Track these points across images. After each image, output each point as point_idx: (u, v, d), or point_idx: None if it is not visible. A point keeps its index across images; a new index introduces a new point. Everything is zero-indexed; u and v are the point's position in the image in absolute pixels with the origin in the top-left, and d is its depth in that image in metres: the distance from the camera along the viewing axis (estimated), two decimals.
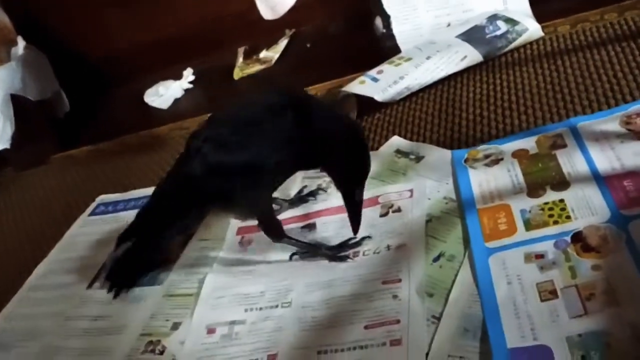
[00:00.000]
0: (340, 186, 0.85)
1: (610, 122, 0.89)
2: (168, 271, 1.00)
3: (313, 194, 1.00)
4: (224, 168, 0.83)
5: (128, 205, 1.21)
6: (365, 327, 0.76)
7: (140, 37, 1.75)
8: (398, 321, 0.75)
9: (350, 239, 0.88)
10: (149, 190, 1.22)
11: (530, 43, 1.16)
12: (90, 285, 1.02)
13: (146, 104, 1.63)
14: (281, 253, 0.91)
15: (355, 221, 0.85)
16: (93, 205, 1.26)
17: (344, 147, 0.81)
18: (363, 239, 0.88)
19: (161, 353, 0.85)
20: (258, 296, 0.86)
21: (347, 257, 0.86)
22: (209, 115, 0.96)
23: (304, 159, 0.84)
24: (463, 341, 0.69)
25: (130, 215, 1.16)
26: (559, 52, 1.11)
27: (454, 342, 0.69)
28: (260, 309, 0.84)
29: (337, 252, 0.87)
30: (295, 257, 0.90)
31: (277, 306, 0.84)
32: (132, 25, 1.76)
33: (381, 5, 1.30)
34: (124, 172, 1.37)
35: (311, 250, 0.89)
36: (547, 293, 0.70)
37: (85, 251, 1.12)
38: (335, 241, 0.90)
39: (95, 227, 1.18)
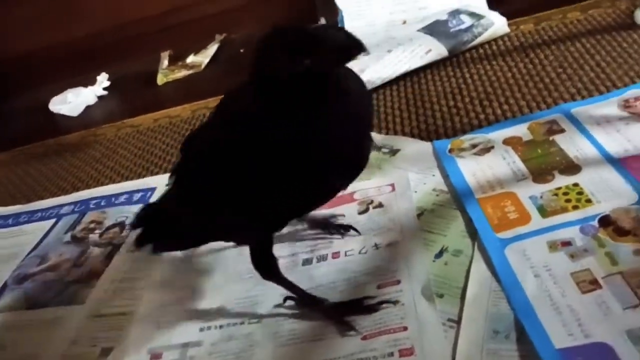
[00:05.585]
0: None
1: (607, 107, 0.81)
2: (90, 287, 0.80)
3: (345, 228, 0.75)
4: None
5: (34, 216, 1.00)
6: (364, 339, 0.60)
7: (44, 39, 1.54)
8: (405, 328, 0.60)
9: (366, 297, 0.64)
10: (61, 199, 1.03)
11: (495, 40, 1.08)
12: None
13: (52, 113, 1.40)
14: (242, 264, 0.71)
15: None
16: None
17: None
18: (386, 302, 0.63)
19: None
20: (215, 312, 0.69)
21: (352, 327, 0.62)
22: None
23: None
24: (495, 344, 0.55)
25: (39, 228, 0.96)
26: (529, 46, 1.03)
27: (484, 346, 0.56)
28: (221, 327, 0.67)
29: (343, 314, 0.63)
30: (289, 302, 0.67)
31: (242, 323, 0.67)
32: (34, 26, 1.55)
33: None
34: (26, 182, 1.14)
35: (309, 303, 0.65)
36: (587, 284, 0.58)
37: None
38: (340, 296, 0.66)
39: None
